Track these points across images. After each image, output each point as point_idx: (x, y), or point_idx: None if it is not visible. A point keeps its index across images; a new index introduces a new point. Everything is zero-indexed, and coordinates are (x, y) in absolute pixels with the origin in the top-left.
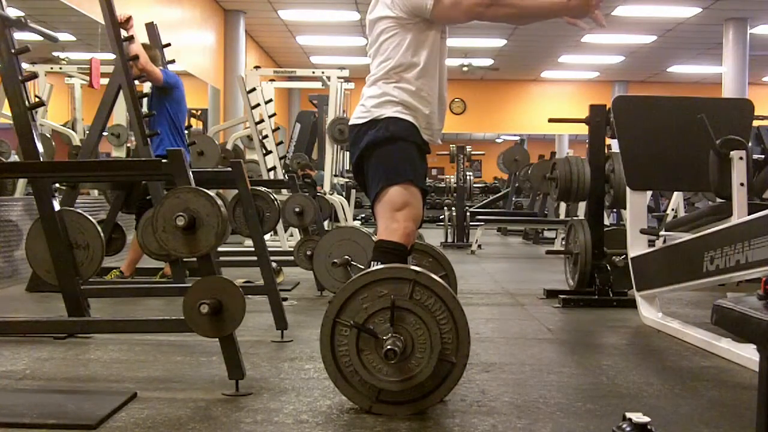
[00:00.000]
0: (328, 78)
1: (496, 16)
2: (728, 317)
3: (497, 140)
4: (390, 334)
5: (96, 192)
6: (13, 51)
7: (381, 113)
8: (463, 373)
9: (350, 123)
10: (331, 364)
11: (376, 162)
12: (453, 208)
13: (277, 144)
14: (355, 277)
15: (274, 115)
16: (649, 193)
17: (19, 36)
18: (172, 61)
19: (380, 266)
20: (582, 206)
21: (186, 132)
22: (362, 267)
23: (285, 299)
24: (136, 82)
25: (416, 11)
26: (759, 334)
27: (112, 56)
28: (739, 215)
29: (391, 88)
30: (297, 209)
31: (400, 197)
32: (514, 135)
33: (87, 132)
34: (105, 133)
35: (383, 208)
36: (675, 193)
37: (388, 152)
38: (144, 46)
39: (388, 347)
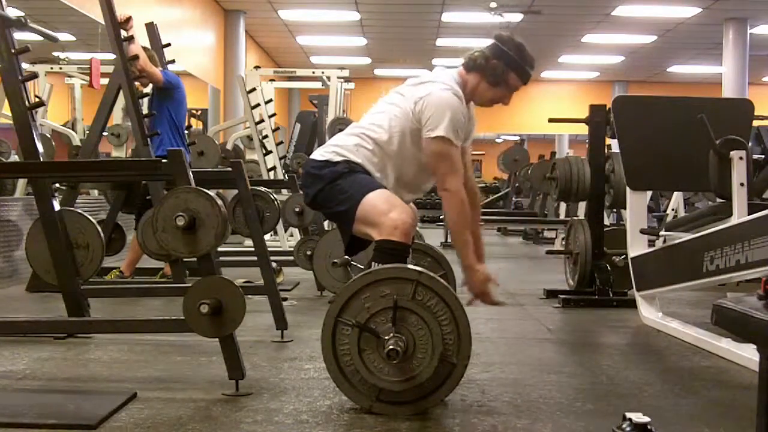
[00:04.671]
0: (328, 78)
1: (442, 202)
2: (728, 317)
3: (497, 140)
4: (392, 334)
5: (96, 192)
6: (13, 51)
7: (338, 159)
8: (464, 374)
9: (311, 156)
10: (332, 364)
11: (340, 190)
12: None
13: (277, 144)
14: (357, 277)
15: (274, 115)
16: (649, 193)
17: (19, 36)
18: (172, 61)
19: (383, 266)
20: (582, 206)
21: (186, 132)
22: (362, 267)
23: (285, 299)
24: (137, 82)
25: (420, 126)
26: (759, 334)
27: (112, 56)
28: (739, 215)
29: (362, 152)
30: (297, 209)
31: (380, 198)
32: (514, 135)
33: (87, 132)
34: (105, 133)
35: (369, 217)
36: (675, 193)
37: (350, 179)
38: (144, 48)
39: (390, 347)
